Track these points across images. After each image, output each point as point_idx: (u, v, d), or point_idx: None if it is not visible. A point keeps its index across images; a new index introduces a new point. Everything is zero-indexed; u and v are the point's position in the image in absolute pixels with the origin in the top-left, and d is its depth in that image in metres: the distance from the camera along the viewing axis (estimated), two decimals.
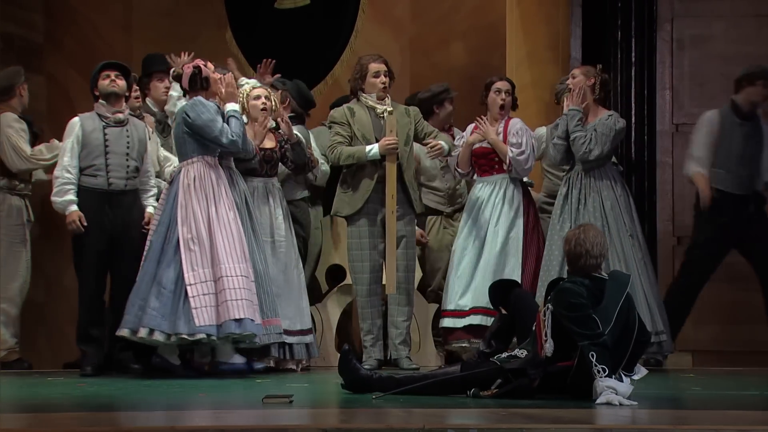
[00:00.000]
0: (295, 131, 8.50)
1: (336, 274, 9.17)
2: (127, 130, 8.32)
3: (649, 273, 8.52)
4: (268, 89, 8.58)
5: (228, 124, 7.91)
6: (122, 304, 8.02)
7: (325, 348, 8.86)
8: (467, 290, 8.58)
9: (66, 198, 8.17)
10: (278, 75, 8.89)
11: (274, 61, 8.86)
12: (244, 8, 10.72)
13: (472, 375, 6.51)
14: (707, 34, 9.82)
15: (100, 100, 8.31)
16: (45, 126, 9.57)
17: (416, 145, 8.74)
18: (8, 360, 8.65)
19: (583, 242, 6.45)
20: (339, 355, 7.19)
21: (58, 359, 9.31)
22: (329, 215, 8.93)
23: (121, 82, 8.31)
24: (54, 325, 9.73)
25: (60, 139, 8.44)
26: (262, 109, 8.37)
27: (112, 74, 8.31)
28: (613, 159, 8.77)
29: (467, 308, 8.54)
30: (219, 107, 8.00)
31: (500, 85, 8.76)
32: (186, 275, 7.72)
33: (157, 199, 8.33)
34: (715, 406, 6.23)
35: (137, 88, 8.83)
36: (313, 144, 8.97)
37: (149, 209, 8.35)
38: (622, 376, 6.29)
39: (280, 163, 8.50)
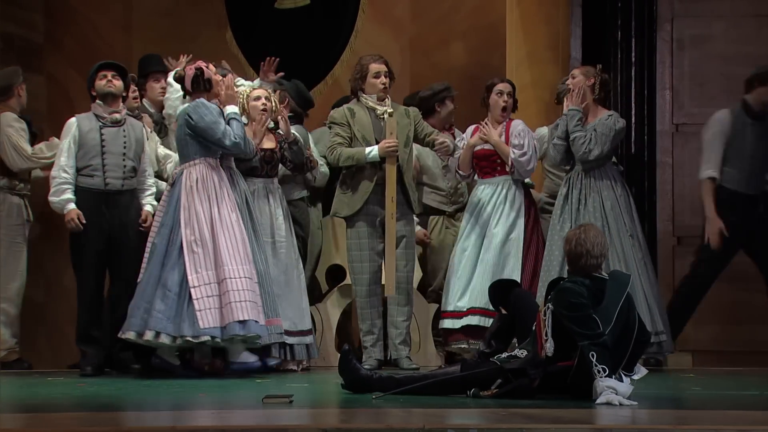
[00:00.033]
0: (293, 131, 8.50)
1: (336, 274, 9.17)
2: (124, 130, 8.32)
3: (649, 273, 8.52)
4: (269, 90, 8.58)
5: (229, 126, 7.91)
6: (121, 304, 8.03)
7: (325, 348, 8.86)
8: (466, 291, 8.58)
9: (63, 197, 8.18)
10: (281, 73, 8.88)
11: (277, 59, 8.85)
12: (244, 8, 10.72)
13: (472, 375, 6.51)
14: (707, 34, 9.81)
15: (97, 101, 8.32)
16: (45, 126, 9.58)
17: (418, 146, 8.74)
18: (8, 360, 8.65)
19: (584, 242, 6.46)
20: (339, 355, 7.19)
21: (58, 359, 9.32)
22: (329, 215, 8.93)
23: (118, 83, 8.32)
24: (54, 325, 9.73)
25: (60, 138, 8.44)
26: (262, 110, 8.37)
27: (109, 74, 8.31)
28: (613, 159, 8.77)
29: (465, 309, 8.54)
30: (220, 109, 8.00)
31: (502, 86, 8.76)
32: (189, 277, 7.72)
33: (157, 199, 8.33)
34: (715, 406, 6.23)
35: (135, 88, 8.83)
36: (312, 145, 8.97)
37: (147, 207, 8.36)
38: (622, 376, 6.29)
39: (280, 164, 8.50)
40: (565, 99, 8.61)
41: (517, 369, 6.44)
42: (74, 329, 8.35)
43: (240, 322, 7.67)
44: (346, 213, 8.51)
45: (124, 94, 8.43)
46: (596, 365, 6.16)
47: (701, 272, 8.91)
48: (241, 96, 8.35)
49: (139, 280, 7.89)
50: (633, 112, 9.78)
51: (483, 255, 8.59)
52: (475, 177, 8.84)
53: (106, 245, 8.23)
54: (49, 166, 8.51)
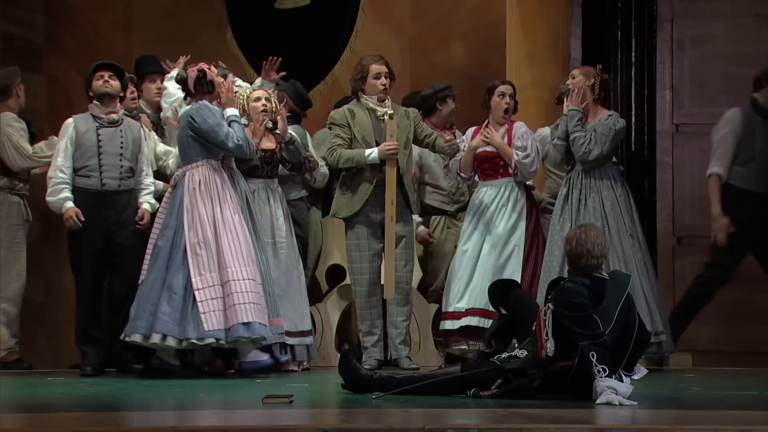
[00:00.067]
0: (289, 131, 8.49)
1: (336, 274, 9.17)
2: (121, 131, 8.32)
3: (649, 273, 8.51)
4: (268, 91, 8.57)
5: (231, 128, 7.91)
6: (120, 304, 8.02)
7: (325, 348, 8.86)
8: (465, 292, 8.58)
9: (61, 196, 8.18)
10: (284, 72, 8.87)
11: (279, 59, 8.84)
12: (244, 8, 10.72)
13: (472, 375, 6.51)
14: (707, 34, 9.80)
15: (94, 101, 8.32)
16: (45, 126, 9.57)
17: (418, 147, 8.75)
18: (8, 360, 8.65)
19: (584, 242, 6.46)
20: (339, 355, 7.19)
21: (58, 359, 9.32)
22: (329, 216, 8.92)
23: (115, 83, 8.32)
24: (54, 325, 9.73)
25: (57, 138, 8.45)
26: (262, 111, 8.37)
27: (106, 75, 8.31)
28: (614, 159, 8.77)
29: (463, 309, 8.54)
30: (222, 111, 8.01)
31: (503, 88, 8.77)
32: (193, 280, 7.72)
33: (156, 199, 8.33)
34: (715, 406, 6.23)
35: (134, 89, 8.83)
36: (311, 145, 8.96)
37: (144, 206, 8.35)
38: (622, 376, 6.29)
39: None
40: (565, 99, 8.61)
41: (517, 369, 6.44)
42: (74, 329, 8.35)
43: (244, 323, 7.67)
44: (346, 214, 8.50)
45: (121, 95, 8.43)
46: (596, 365, 6.16)
47: (714, 271, 8.87)
48: (240, 97, 8.35)
49: (140, 281, 7.89)
50: (633, 112, 9.78)
51: (484, 257, 8.59)
52: (476, 179, 8.84)
53: (104, 245, 8.23)
54: (49, 165, 8.52)
